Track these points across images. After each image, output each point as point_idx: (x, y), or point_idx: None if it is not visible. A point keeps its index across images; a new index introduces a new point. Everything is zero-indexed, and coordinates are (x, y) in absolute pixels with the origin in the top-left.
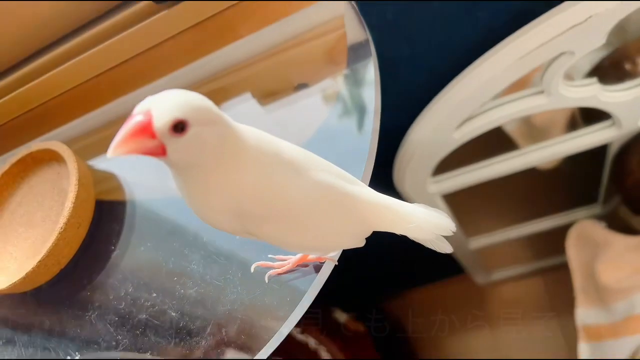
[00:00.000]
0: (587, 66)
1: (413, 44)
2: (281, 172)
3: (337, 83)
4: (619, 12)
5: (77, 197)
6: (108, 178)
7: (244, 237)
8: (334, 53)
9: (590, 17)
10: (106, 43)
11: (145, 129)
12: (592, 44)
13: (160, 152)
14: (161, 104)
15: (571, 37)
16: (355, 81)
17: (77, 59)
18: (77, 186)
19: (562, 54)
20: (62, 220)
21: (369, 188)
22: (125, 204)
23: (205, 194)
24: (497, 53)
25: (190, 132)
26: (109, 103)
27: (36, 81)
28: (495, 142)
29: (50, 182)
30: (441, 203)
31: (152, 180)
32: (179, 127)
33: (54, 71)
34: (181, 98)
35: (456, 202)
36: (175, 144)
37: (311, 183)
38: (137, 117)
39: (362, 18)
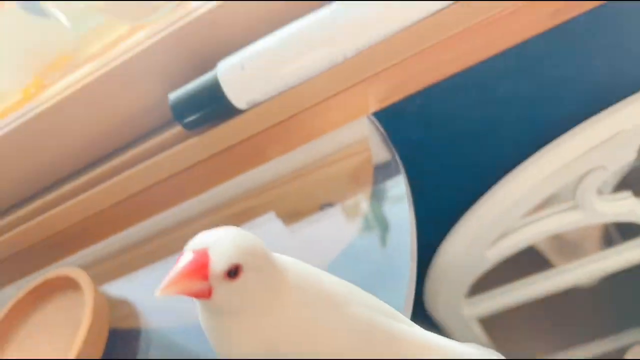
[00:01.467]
0: (615, 178)
1: (439, 160)
2: (321, 310)
3: (362, 202)
4: None
5: (91, 329)
6: (122, 303)
7: None
8: (360, 173)
9: (618, 133)
10: (134, 169)
11: (201, 271)
12: (624, 159)
13: (206, 294)
14: (220, 246)
15: (602, 153)
16: (381, 199)
17: (103, 185)
18: (91, 317)
19: (593, 168)
20: (73, 354)
21: (414, 325)
22: (139, 332)
23: (239, 336)
24: (526, 169)
25: (242, 278)
26: (129, 228)
27: (58, 208)
28: (526, 258)
29: (64, 311)
30: (477, 327)
31: (168, 306)
32: (233, 272)
33: (77, 199)
34: (240, 241)
35: (493, 325)
36: (224, 288)
37: (352, 321)
38: (193, 256)
39: (387, 137)
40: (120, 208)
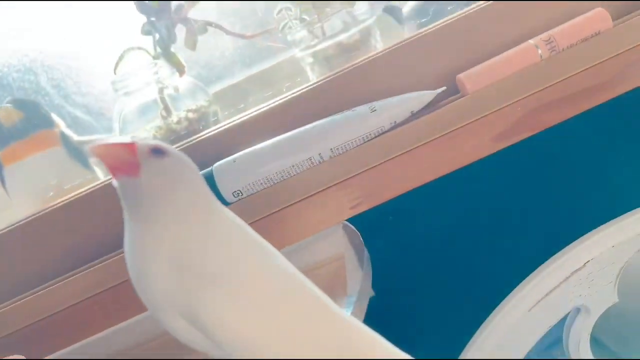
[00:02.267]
0: None
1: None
2: (249, 246)
3: None
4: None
5: None
6: None
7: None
8: (334, 283)
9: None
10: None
11: (129, 145)
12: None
13: (134, 169)
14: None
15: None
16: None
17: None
18: None
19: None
20: None
21: None
22: None
23: (151, 239)
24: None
25: (168, 160)
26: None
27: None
28: None
29: None
30: None
31: None
32: (159, 151)
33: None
34: None
35: None
36: (150, 165)
37: (282, 271)
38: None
39: (362, 246)
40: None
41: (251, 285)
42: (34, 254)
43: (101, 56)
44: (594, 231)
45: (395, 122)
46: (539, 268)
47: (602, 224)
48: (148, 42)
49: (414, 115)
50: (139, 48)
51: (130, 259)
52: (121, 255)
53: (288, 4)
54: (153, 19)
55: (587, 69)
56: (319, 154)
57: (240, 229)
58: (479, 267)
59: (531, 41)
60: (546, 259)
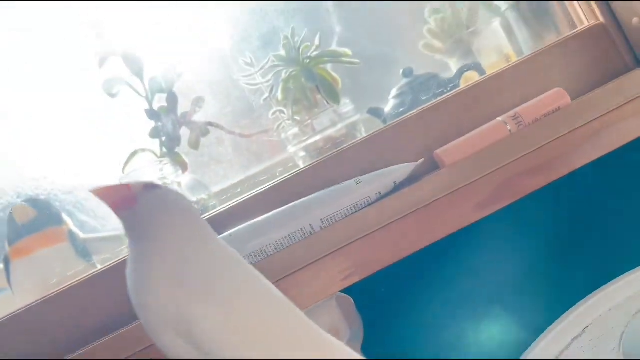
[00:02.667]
0: None
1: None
2: (239, 270)
3: None
4: None
5: None
6: None
7: None
8: None
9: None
10: None
11: (124, 185)
12: None
13: (132, 201)
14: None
15: None
16: None
17: None
18: None
19: None
20: None
21: None
22: None
23: (149, 259)
24: None
25: (161, 191)
26: None
27: None
28: None
29: None
30: None
31: None
32: (152, 186)
33: None
34: None
35: None
36: (144, 196)
37: (271, 295)
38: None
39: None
40: None
41: (241, 301)
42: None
43: (110, 157)
44: (588, 296)
45: (380, 192)
46: (536, 341)
47: (593, 289)
48: (154, 143)
49: (397, 186)
50: (147, 150)
51: (131, 279)
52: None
53: (281, 107)
54: (160, 123)
55: (551, 141)
56: (310, 225)
57: (229, 251)
58: (470, 337)
59: (500, 118)
60: (542, 330)
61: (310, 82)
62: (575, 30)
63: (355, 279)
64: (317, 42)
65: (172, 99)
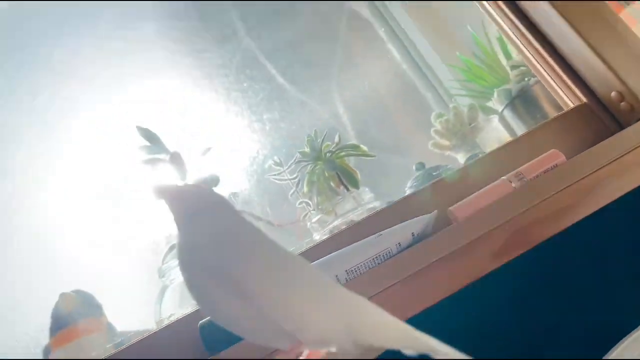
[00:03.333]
0: None
1: None
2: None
3: None
4: None
5: None
6: None
7: None
8: None
9: None
10: None
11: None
12: None
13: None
14: None
15: None
16: None
17: None
18: None
19: None
20: None
21: None
22: None
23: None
24: None
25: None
26: None
27: None
28: None
29: None
30: None
31: None
32: (192, 187)
33: None
34: None
35: None
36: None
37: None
38: None
39: None
40: None
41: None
42: None
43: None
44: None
45: (399, 244)
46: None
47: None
48: None
49: (416, 238)
50: None
51: (180, 251)
52: None
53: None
54: None
55: (554, 193)
56: (336, 276)
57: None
58: None
59: (504, 177)
60: None
61: (331, 170)
62: (562, 112)
63: None
64: (337, 139)
65: None
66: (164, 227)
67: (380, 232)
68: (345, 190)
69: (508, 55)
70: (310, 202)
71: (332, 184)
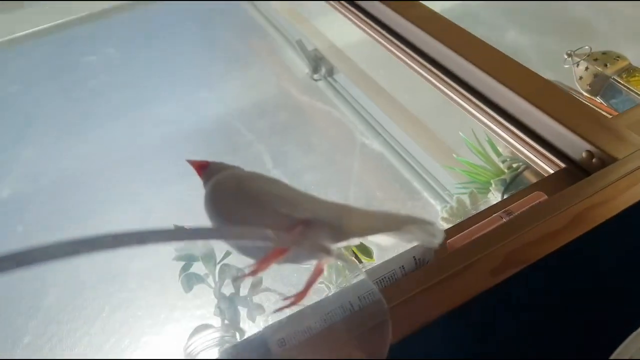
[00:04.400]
0: None
1: None
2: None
3: None
4: None
5: None
6: None
7: None
8: None
9: None
10: None
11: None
12: None
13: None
14: None
15: None
16: None
17: None
18: None
19: None
20: None
21: None
22: None
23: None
24: None
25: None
26: None
27: None
28: None
29: None
30: None
31: None
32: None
33: None
34: None
35: None
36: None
37: None
38: None
39: None
40: None
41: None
42: None
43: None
44: None
45: (403, 267)
46: None
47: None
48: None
49: (418, 262)
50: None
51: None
52: None
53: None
54: (222, 306)
55: (537, 224)
56: (349, 302)
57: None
58: None
59: (495, 214)
60: None
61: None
62: (543, 177)
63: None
64: None
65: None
66: None
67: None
68: (359, 262)
69: (498, 153)
70: (330, 285)
71: (348, 261)
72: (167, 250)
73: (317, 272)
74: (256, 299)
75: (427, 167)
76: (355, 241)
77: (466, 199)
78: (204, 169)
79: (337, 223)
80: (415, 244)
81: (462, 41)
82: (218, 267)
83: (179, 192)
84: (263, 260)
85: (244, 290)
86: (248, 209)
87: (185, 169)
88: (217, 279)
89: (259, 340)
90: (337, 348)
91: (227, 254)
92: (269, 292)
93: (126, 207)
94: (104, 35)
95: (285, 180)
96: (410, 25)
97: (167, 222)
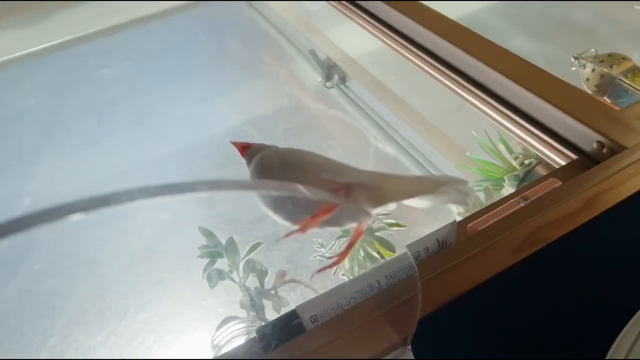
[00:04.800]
0: None
1: None
2: None
3: None
4: None
5: None
6: None
7: None
8: None
9: None
10: None
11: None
12: None
13: (247, 148)
14: None
15: None
16: None
17: None
18: None
19: None
20: None
21: None
22: None
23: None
24: None
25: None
26: None
27: None
28: None
29: None
30: None
31: None
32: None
33: None
34: None
35: None
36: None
37: None
38: None
39: None
40: None
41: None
42: None
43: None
44: None
45: (427, 248)
46: None
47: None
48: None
49: (441, 244)
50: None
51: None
52: None
53: None
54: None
55: (553, 208)
56: (377, 281)
57: None
58: None
59: (513, 199)
60: None
61: (369, 237)
62: (555, 169)
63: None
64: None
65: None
66: None
67: (409, 243)
68: (380, 258)
69: (510, 150)
70: (351, 277)
71: (371, 255)
72: (191, 249)
73: (357, 234)
74: (281, 291)
75: (440, 167)
76: (392, 206)
77: (481, 195)
78: (246, 149)
79: (376, 186)
80: (449, 204)
81: (470, 40)
82: (242, 262)
83: (197, 200)
84: (311, 218)
85: (268, 284)
86: (293, 178)
87: (202, 175)
88: (241, 274)
89: (292, 316)
90: (366, 324)
91: (253, 248)
92: (294, 284)
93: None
94: (119, 49)
95: None
96: (417, 26)
97: (186, 228)
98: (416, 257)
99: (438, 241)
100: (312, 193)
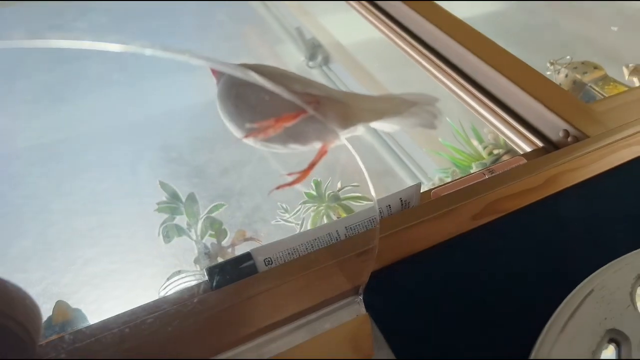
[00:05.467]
0: None
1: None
2: None
3: None
4: None
5: None
6: None
7: None
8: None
9: None
10: None
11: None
12: None
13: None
14: None
15: None
16: None
17: None
18: None
19: None
20: None
21: None
22: None
23: None
24: None
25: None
26: None
27: None
28: None
29: None
30: None
31: None
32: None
33: None
34: None
35: None
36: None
37: None
38: None
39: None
40: None
41: None
42: None
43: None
44: None
45: (389, 206)
46: None
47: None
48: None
49: (404, 204)
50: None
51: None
52: None
53: None
54: (202, 257)
55: (515, 182)
56: (336, 231)
57: None
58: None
59: (479, 171)
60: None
61: (334, 203)
62: (523, 153)
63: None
64: (339, 185)
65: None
66: None
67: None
68: None
69: (480, 139)
70: None
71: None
72: (149, 202)
73: (321, 153)
74: (239, 250)
75: (412, 154)
76: (360, 129)
77: (447, 179)
78: (215, 72)
79: (346, 101)
80: (417, 127)
81: (452, 24)
82: (201, 220)
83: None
84: (275, 120)
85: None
86: (263, 88)
87: (166, 142)
88: (199, 231)
89: (246, 257)
90: (319, 270)
91: (215, 208)
92: (254, 242)
93: (103, 173)
94: (99, 5)
95: (274, 159)
96: (403, 6)
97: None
98: (379, 213)
99: (401, 200)
100: (285, 94)
